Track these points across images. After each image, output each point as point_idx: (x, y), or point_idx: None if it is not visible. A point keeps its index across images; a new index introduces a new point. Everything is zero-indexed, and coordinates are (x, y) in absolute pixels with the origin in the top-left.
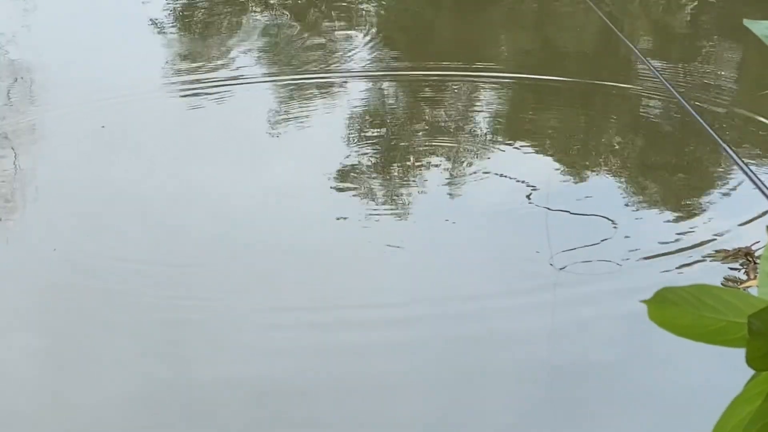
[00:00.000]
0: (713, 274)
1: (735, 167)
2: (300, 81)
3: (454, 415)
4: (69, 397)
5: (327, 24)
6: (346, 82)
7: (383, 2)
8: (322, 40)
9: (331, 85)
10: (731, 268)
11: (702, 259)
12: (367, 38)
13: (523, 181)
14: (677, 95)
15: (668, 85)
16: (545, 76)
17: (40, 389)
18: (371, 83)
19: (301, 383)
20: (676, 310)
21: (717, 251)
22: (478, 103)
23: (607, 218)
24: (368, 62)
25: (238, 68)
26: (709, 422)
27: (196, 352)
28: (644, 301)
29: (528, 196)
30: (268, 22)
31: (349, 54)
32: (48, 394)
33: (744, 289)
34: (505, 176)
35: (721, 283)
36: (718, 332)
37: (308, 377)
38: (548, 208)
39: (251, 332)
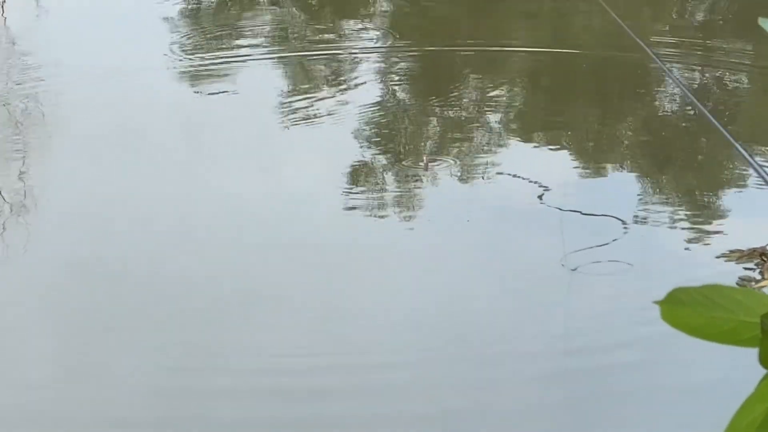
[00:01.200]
0: (728, 274)
1: (749, 163)
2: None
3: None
4: (76, 398)
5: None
6: (354, 58)
7: None
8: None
9: (339, 78)
10: (746, 268)
11: (716, 259)
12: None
13: (535, 182)
14: (683, 87)
15: (675, 78)
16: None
17: (42, 389)
18: (379, 76)
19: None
20: (689, 311)
21: (731, 251)
22: (488, 97)
23: (618, 218)
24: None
25: (244, 56)
26: (721, 421)
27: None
28: (657, 302)
29: (540, 197)
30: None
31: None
32: (50, 394)
33: (758, 289)
34: (518, 176)
35: (736, 283)
36: (731, 332)
37: (316, 383)
38: (560, 209)
39: (258, 340)
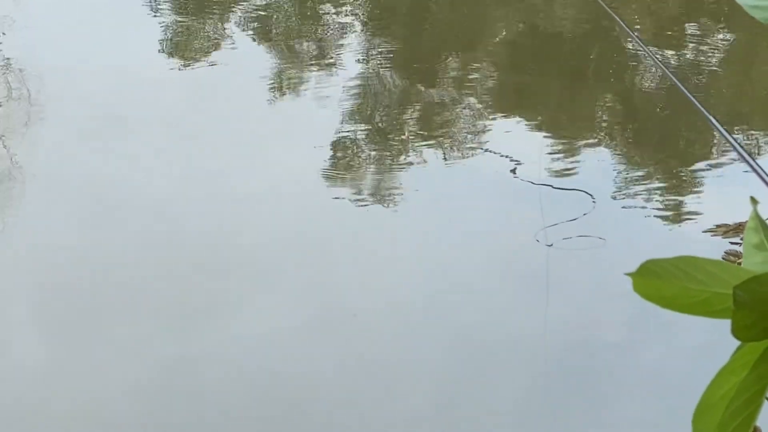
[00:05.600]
0: (716, 248)
1: (726, 139)
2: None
3: (457, 399)
4: (72, 389)
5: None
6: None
7: None
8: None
9: (321, 59)
10: (732, 243)
11: (702, 234)
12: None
13: (507, 156)
14: (658, 62)
15: (650, 52)
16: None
17: (38, 382)
18: (359, 61)
19: (307, 373)
20: (661, 283)
21: (718, 226)
22: (460, 71)
23: (587, 192)
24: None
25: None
26: (695, 394)
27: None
28: (629, 274)
29: (513, 171)
30: None
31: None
32: (46, 390)
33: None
34: (491, 151)
35: (722, 258)
36: (704, 304)
37: (312, 368)
38: (532, 183)
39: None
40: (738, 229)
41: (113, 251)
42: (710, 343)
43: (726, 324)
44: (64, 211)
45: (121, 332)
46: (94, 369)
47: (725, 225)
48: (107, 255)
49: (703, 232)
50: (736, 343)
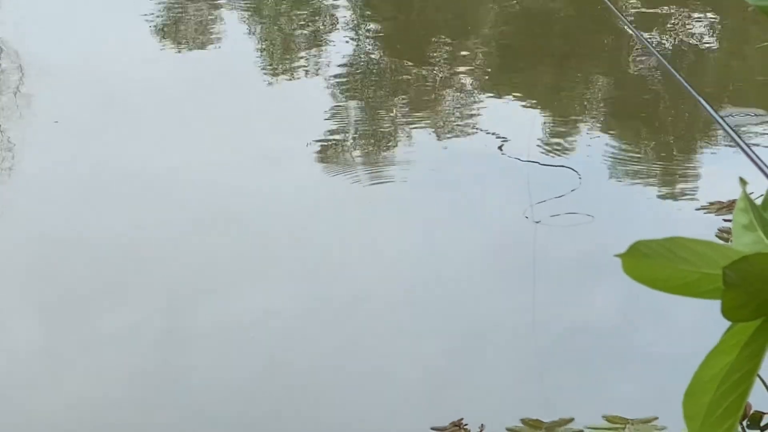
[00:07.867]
0: (709, 225)
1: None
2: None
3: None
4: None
5: None
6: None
7: None
8: None
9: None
10: (725, 220)
11: (695, 211)
12: None
13: (493, 133)
14: (644, 40)
15: (636, 31)
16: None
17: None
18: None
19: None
20: (651, 264)
21: (711, 203)
22: (446, 48)
23: (572, 169)
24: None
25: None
26: (686, 374)
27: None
28: (618, 255)
29: (500, 148)
30: None
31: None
32: (42, 374)
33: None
34: (478, 128)
35: (715, 235)
36: (694, 284)
37: (305, 349)
38: (519, 159)
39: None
40: (731, 206)
41: (110, 235)
42: (700, 323)
43: (716, 304)
44: (59, 195)
45: (120, 316)
46: (88, 355)
47: (718, 202)
48: (103, 238)
49: (696, 209)
50: (726, 323)
